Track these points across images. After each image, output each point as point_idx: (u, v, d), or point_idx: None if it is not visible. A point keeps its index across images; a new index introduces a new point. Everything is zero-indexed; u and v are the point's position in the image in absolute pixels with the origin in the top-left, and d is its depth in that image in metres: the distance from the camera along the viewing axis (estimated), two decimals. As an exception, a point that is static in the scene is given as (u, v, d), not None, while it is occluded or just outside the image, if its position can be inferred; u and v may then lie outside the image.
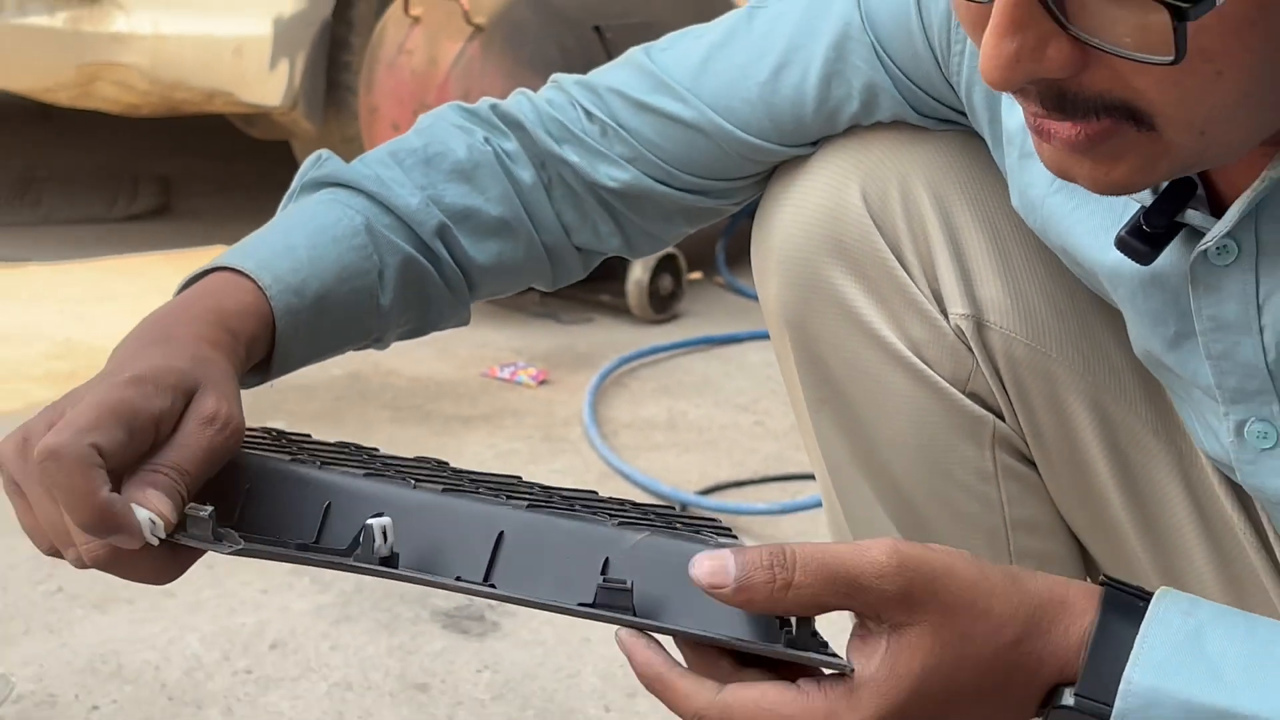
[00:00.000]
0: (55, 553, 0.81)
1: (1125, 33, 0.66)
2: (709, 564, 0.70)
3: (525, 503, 0.82)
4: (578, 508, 0.82)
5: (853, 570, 0.70)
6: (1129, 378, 1.01)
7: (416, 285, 0.99)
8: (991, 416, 1.02)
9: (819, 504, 1.13)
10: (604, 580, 0.75)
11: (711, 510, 2.15)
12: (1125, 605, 0.72)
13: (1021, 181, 0.93)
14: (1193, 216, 0.80)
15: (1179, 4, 0.63)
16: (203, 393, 0.81)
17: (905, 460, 1.03)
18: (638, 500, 0.91)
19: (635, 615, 0.73)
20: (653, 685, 0.72)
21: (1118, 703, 0.69)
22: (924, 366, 1.01)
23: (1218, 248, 0.80)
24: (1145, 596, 0.72)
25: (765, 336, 1.09)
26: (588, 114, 1.02)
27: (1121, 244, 0.81)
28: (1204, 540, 1.01)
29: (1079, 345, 1.00)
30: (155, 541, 0.77)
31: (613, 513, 0.83)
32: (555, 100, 1.04)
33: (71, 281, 3.11)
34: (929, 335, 1.00)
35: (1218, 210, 0.80)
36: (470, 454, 2.32)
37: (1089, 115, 0.70)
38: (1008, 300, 0.99)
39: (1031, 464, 1.04)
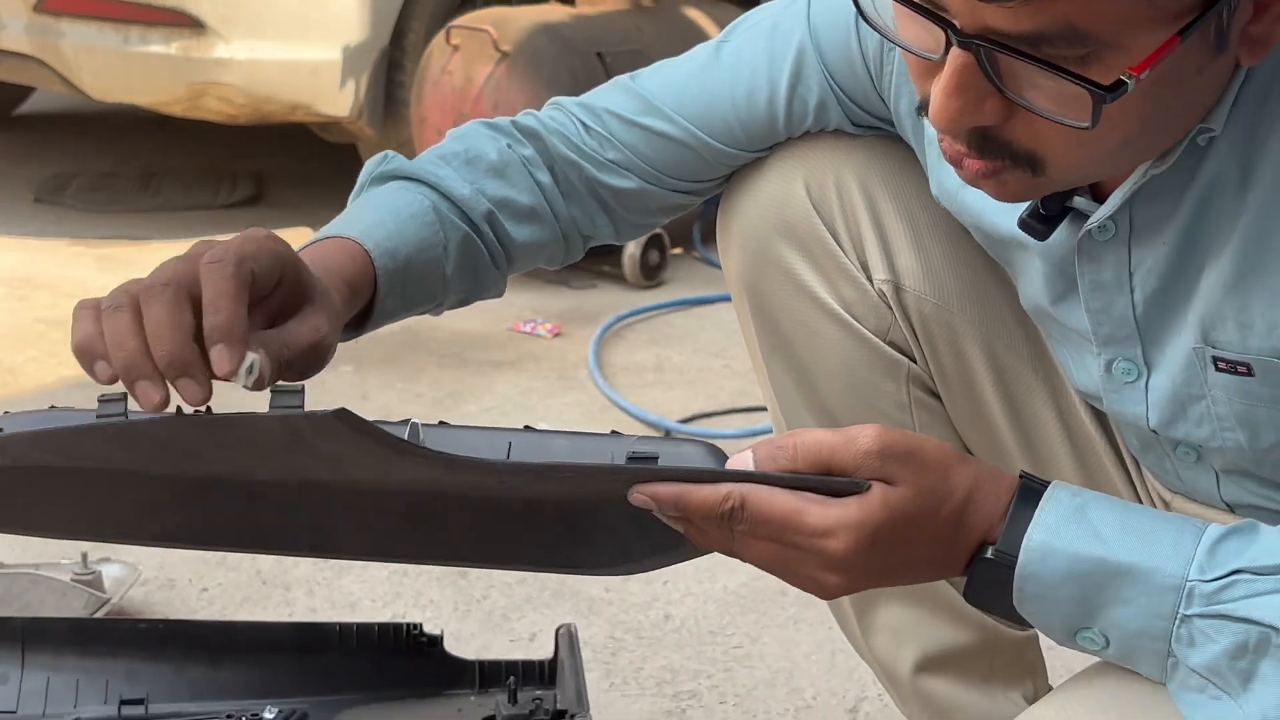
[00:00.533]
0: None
1: (1047, 99, 0.68)
2: (737, 458, 0.74)
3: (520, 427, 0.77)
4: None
5: (838, 455, 0.72)
6: (1014, 328, 1.01)
7: (470, 260, 0.98)
8: (906, 360, 1.03)
9: (771, 430, 1.14)
10: (631, 452, 0.72)
11: (687, 434, 2.16)
12: (1034, 489, 0.73)
13: (940, 174, 0.93)
14: (1079, 202, 0.81)
15: (1101, 92, 0.66)
16: (318, 309, 0.78)
17: (839, 394, 1.04)
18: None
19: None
20: (679, 502, 0.72)
21: (1020, 555, 0.71)
22: (853, 321, 1.01)
23: (1099, 227, 0.80)
24: (1047, 484, 0.74)
25: (731, 298, 1.09)
26: (586, 128, 1.01)
27: (1023, 224, 0.82)
28: (1072, 456, 1.02)
29: (975, 303, 1.01)
30: (246, 382, 0.70)
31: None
32: (557, 118, 1.03)
33: (184, 256, 3.09)
34: (857, 296, 1.01)
35: (1100, 196, 0.81)
36: (500, 391, 2.32)
37: (997, 158, 0.72)
38: (919, 268, 1.00)
39: (937, 396, 1.05)
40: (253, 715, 1.11)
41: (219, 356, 0.70)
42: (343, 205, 0.98)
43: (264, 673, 1.16)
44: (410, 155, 1.01)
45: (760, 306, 1.04)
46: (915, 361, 1.03)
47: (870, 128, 1.00)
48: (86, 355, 0.73)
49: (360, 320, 0.90)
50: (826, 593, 0.75)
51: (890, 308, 1.00)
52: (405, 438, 0.73)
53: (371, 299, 0.89)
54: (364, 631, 1.18)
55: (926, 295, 1.00)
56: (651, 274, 2.95)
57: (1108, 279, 0.83)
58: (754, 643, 1.57)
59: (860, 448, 0.71)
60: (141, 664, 1.14)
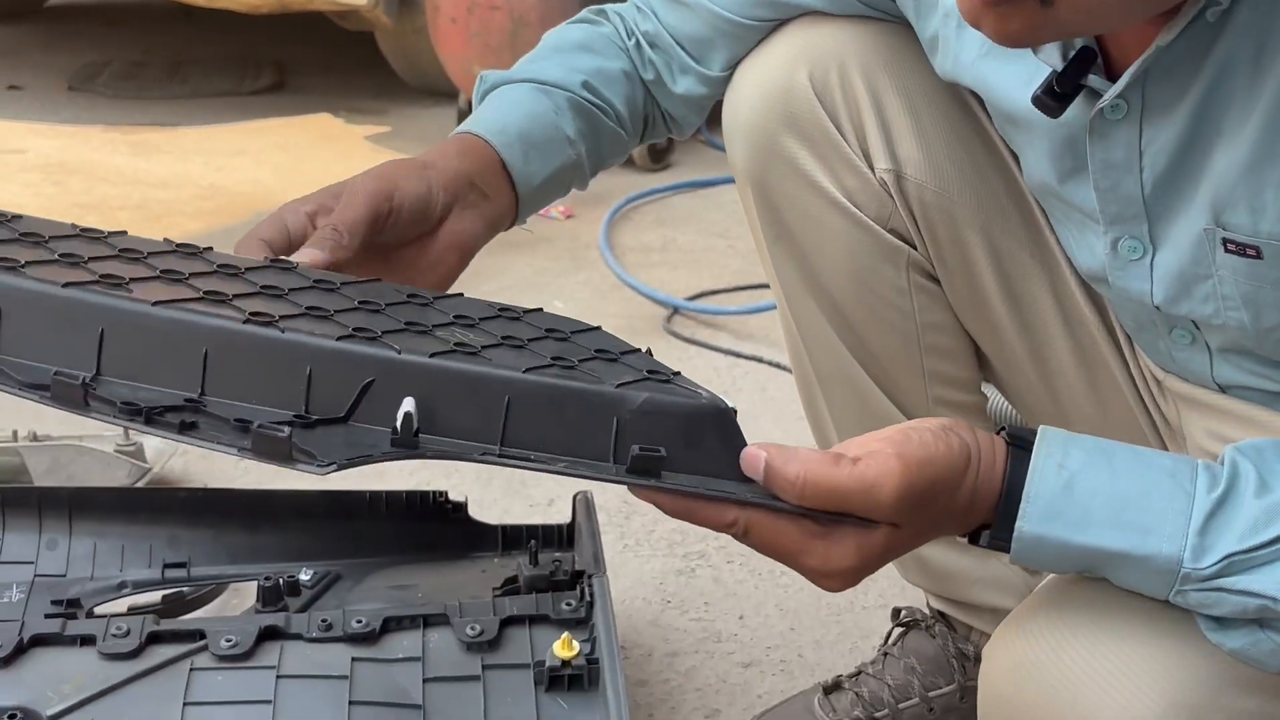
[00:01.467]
0: None
1: None
2: (752, 463, 0.68)
3: (523, 367, 0.68)
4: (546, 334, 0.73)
5: (846, 491, 0.67)
6: (1012, 214, 0.99)
7: (588, 120, 0.97)
8: (906, 247, 1.00)
9: (774, 307, 1.11)
10: (639, 448, 0.66)
11: (694, 312, 2.14)
12: (1021, 456, 0.69)
13: (956, 48, 0.88)
14: (1093, 80, 0.77)
15: None
16: (363, 176, 0.85)
17: (841, 281, 1.01)
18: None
19: (664, 475, 0.66)
20: (686, 514, 0.69)
21: (1013, 547, 0.68)
22: (855, 210, 0.98)
23: (1111, 106, 0.76)
24: (1032, 442, 0.69)
25: (734, 181, 1.07)
26: (638, 9, 1.02)
27: (1036, 101, 0.78)
28: (1066, 336, 1.00)
29: (975, 189, 0.98)
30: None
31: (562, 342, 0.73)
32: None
33: (212, 140, 3.05)
34: (859, 185, 0.98)
35: (1114, 74, 0.77)
36: (516, 271, 2.30)
37: None
38: (920, 157, 0.97)
39: (937, 280, 1.02)
40: (289, 577, 1.11)
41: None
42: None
43: (298, 537, 1.16)
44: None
45: (765, 198, 1.01)
46: (915, 248, 1.00)
47: (874, 7, 0.96)
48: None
49: (513, 199, 0.93)
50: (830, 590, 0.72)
51: (891, 196, 0.98)
52: (396, 431, 0.65)
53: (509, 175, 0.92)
54: (392, 499, 1.18)
55: (927, 183, 0.97)
56: (659, 158, 2.90)
57: (1118, 158, 0.79)
58: (756, 508, 1.57)
59: (879, 502, 0.67)
60: (182, 530, 1.14)
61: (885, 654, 1.17)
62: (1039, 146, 0.85)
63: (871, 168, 0.97)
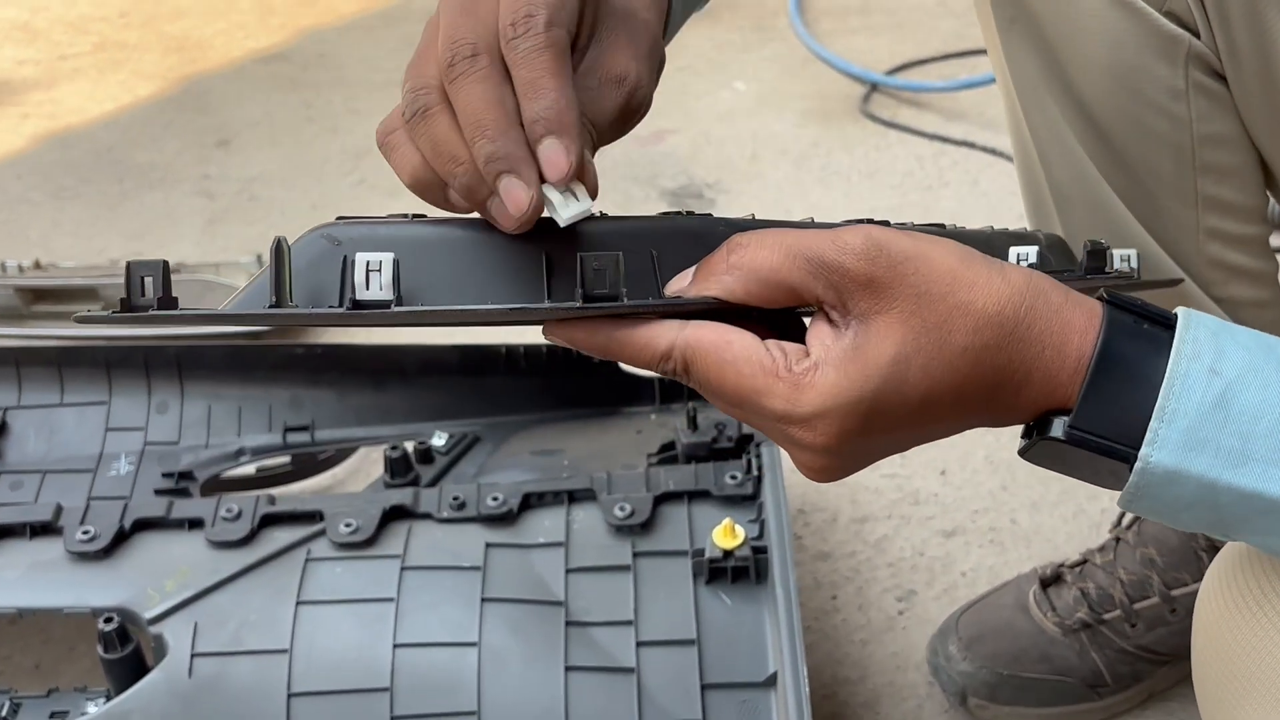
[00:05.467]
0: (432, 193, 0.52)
1: None
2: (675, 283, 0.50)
3: None
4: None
5: (815, 247, 0.47)
6: (1335, -14, 0.71)
7: None
8: (1187, 35, 0.75)
9: (992, 80, 0.87)
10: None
11: (895, 89, 1.86)
12: (1130, 332, 0.46)
13: None
14: None
15: None
16: (617, 46, 0.54)
17: (1095, 79, 0.77)
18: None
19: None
20: (609, 348, 0.49)
21: (1132, 479, 0.46)
22: (1120, -14, 0.73)
23: None
24: (1151, 318, 0.47)
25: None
26: None
27: None
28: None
29: (1288, -46, 0.71)
30: (566, 215, 0.49)
31: None
32: None
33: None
34: (1128, -48, 0.72)
35: None
36: (694, 45, 2.05)
37: None
38: (1216, -91, 0.70)
39: (1223, 79, 0.77)
40: (420, 443, 0.97)
41: (553, 155, 0.49)
42: None
43: (430, 396, 1.03)
44: None
45: (994, -32, 0.76)
46: (1199, 37, 0.74)
47: None
48: (429, 191, 0.51)
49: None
50: (814, 475, 0.50)
51: (1172, -33, 0.72)
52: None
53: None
54: (532, 351, 1.02)
55: (1223, -53, 0.70)
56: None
57: None
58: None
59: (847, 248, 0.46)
60: (304, 389, 1.02)
61: (1118, 539, 0.96)
62: None
63: (1145, -70, 0.71)
